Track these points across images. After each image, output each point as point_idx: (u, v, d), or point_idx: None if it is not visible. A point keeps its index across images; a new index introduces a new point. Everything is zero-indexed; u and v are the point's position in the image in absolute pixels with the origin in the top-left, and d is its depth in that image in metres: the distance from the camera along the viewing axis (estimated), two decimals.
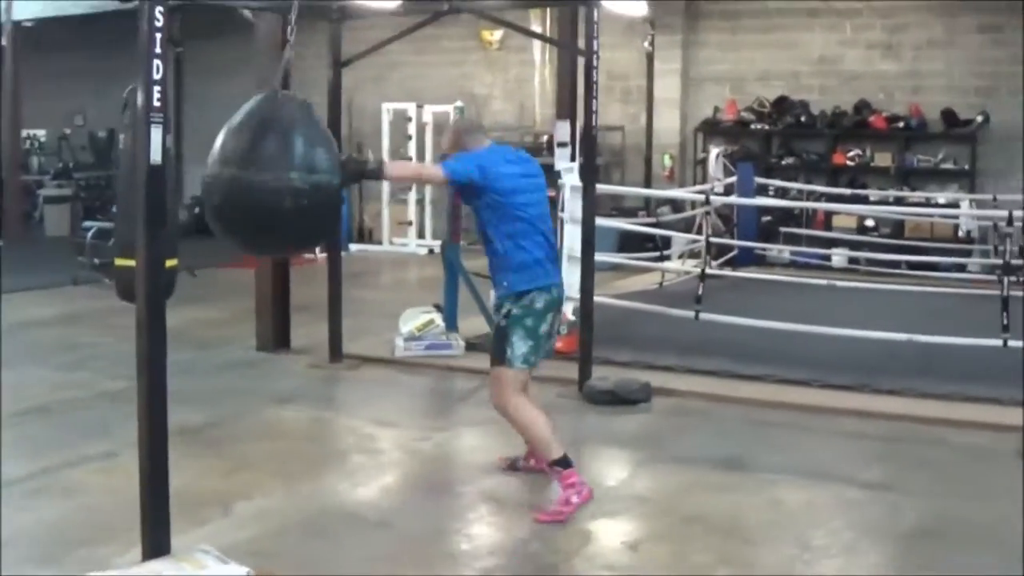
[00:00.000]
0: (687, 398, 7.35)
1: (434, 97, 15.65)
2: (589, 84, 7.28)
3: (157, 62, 4.09)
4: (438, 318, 8.51)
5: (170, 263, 6.36)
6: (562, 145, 12.48)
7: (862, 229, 14.04)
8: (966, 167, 13.85)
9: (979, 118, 13.62)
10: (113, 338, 8.85)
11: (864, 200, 13.63)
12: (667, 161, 15.28)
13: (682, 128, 15.31)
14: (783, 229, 13.65)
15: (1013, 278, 8.29)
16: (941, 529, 5.04)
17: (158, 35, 4.07)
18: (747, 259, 13.12)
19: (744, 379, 7.75)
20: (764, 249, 13.19)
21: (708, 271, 9.72)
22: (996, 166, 13.76)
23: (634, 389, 7.29)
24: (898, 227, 13.71)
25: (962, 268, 13.19)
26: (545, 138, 15.73)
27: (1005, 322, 7.78)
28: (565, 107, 12.51)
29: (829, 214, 14.16)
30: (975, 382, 7.47)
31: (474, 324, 8.82)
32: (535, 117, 15.80)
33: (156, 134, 4.15)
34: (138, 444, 4.26)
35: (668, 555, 4.74)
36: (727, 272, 10.49)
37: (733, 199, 12.56)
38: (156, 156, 4.14)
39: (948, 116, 13.85)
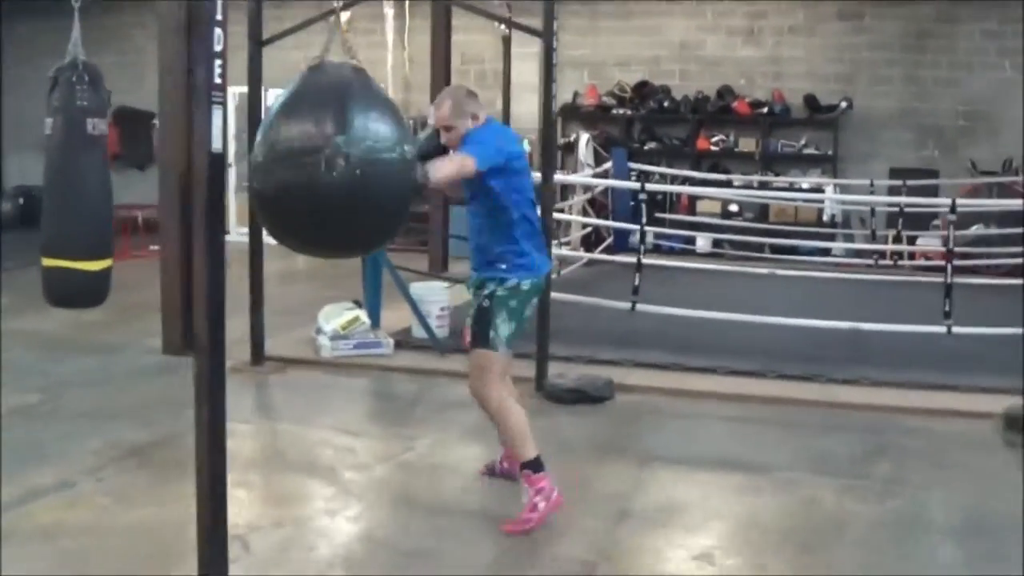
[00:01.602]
0: (647, 394, 7.07)
1: (275, 81, 14.84)
2: (548, 67, 6.90)
3: (218, 31, 3.45)
4: (363, 315, 7.93)
5: (105, 263, 5.71)
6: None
7: (726, 214, 14.11)
8: (829, 152, 14.08)
9: (843, 104, 13.87)
10: (5, 346, 7.93)
11: (729, 184, 13.69)
12: (526, 147, 14.91)
13: (541, 114, 14.95)
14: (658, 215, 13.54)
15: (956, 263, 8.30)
16: (985, 525, 4.92)
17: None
18: (622, 246, 12.95)
19: (696, 371, 7.52)
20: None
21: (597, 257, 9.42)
22: (858, 151, 14.05)
23: (599, 386, 6.96)
24: (763, 212, 13.85)
25: (827, 252, 13.45)
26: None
27: (947, 308, 7.83)
28: (440, 88, 12.05)
29: (693, 199, 14.17)
30: (924, 369, 7.50)
31: (394, 319, 8.31)
32: None
33: (217, 117, 3.51)
34: (197, 490, 3.58)
35: (748, 567, 4.43)
36: (657, 261, 10.15)
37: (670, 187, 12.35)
38: (217, 143, 3.50)
39: (810, 102, 14.05)
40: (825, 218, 13.95)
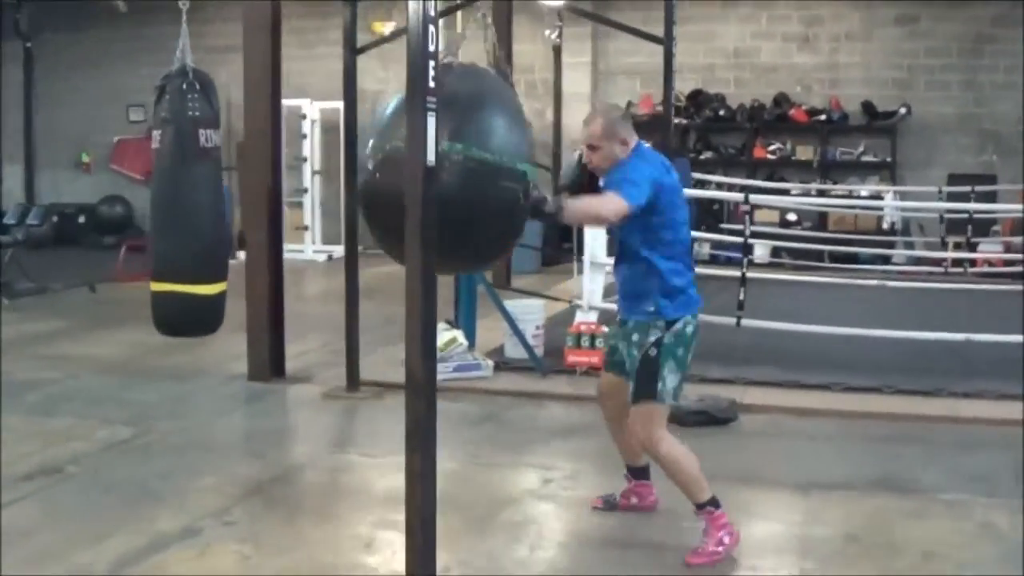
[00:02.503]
0: (770, 414, 6.71)
1: (320, 93, 14.55)
2: (669, 74, 6.59)
3: (432, 29, 3.08)
4: (460, 336, 7.54)
5: (221, 287, 5.33)
6: None
7: (784, 223, 13.74)
8: (887, 159, 13.74)
9: (902, 110, 13.53)
10: (62, 372, 7.55)
11: (787, 193, 13.33)
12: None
13: None
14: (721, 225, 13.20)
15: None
16: None
17: None
18: None
19: (810, 388, 7.15)
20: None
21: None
22: (916, 157, 13.70)
23: (724, 407, 6.58)
24: (821, 220, 13.51)
25: (887, 260, 13.09)
26: None
27: None
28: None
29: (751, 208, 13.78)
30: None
31: (486, 338, 7.94)
32: None
33: (431, 125, 3.12)
34: (407, 544, 3.19)
35: None
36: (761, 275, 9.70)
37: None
38: (431, 155, 3.11)
39: (868, 108, 13.71)
40: (885, 225, 13.57)
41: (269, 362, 7.34)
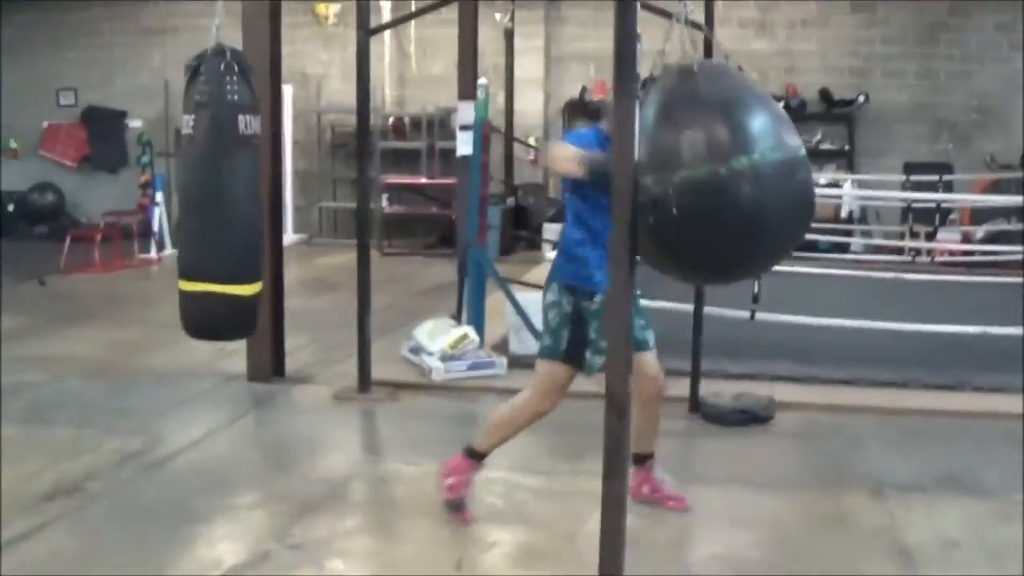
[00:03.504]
0: (805, 411, 6.48)
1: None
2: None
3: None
4: (471, 332, 7.18)
5: (257, 287, 4.90)
6: (465, 128, 11.32)
7: None
8: (844, 147, 13.71)
9: (860, 98, 13.49)
10: (43, 375, 7.01)
11: None
12: (533, 144, 14.27)
13: (546, 109, 14.36)
14: None
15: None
16: None
17: None
18: None
19: (836, 384, 6.96)
20: None
21: None
22: (872, 146, 13.69)
23: (764, 405, 6.34)
24: None
25: (845, 248, 13.05)
26: (392, 120, 14.53)
27: None
28: (468, 86, 11.33)
29: None
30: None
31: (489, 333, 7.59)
32: (383, 98, 14.38)
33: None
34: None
35: None
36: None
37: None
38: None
39: (825, 96, 13.64)
40: (843, 214, 13.52)
41: (271, 362, 6.89)
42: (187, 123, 4.74)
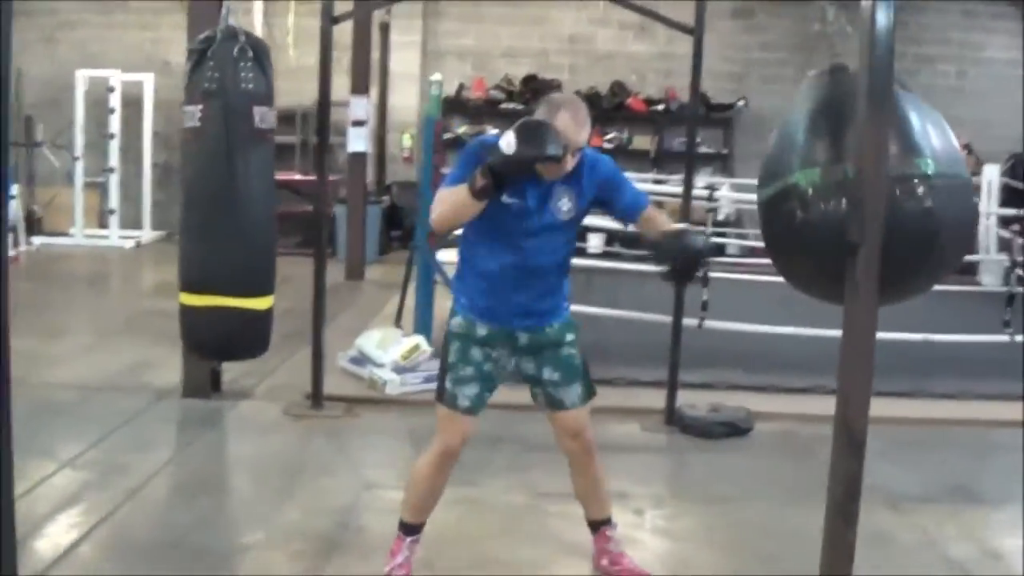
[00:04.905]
0: (778, 420, 6.37)
1: (119, 65, 13.17)
2: (698, 66, 6.14)
3: None
4: (423, 342, 6.78)
5: (271, 300, 4.44)
6: (358, 124, 10.92)
7: None
8: (722, 151, 13.81)
9: (740, 103, 13.60)
10: None
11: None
12: (407, 141, 13.87)
13: (421, 105, 13.92)
14: None
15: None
16: None
17: None
18: None
19: (794, 392, 6.88)
20: None
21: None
22: (749, 150, 13.79)
23: (743, 417, 6.20)
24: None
25: (722, 251, 13.10)
26: None
27: (1007, 318, 7.47)
28: (362, 81, 10.93)
29: None
30: (976, 378, 7.17)
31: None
32: None
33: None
34: None
35: None
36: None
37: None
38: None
39: (704, 100, 13.68)
40: (720, 217, 13.58)
41: (208, 376, 6.33)
42: (192, 114, 4.25)
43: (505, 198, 3.48)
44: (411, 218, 13.56)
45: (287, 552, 4.21)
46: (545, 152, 3.33)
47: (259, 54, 4.28)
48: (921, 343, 7.28)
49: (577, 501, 4.13)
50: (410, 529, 3.91)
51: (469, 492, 4.86)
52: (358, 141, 10.92)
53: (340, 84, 13.23)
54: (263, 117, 4.28)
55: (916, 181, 2.93)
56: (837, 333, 6.90)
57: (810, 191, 3.15)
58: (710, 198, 8.15)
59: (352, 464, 5.39)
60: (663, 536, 4.58)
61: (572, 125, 3.51)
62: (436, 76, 7.57)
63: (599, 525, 4.13)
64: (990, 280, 10.33)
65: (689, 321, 7.28)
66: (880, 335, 7.03)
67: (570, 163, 3.55)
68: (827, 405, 6.27)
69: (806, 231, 3.15)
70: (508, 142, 3.32)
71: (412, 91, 13.92)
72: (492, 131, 13.08)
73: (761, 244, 9.21)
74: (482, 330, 3.72)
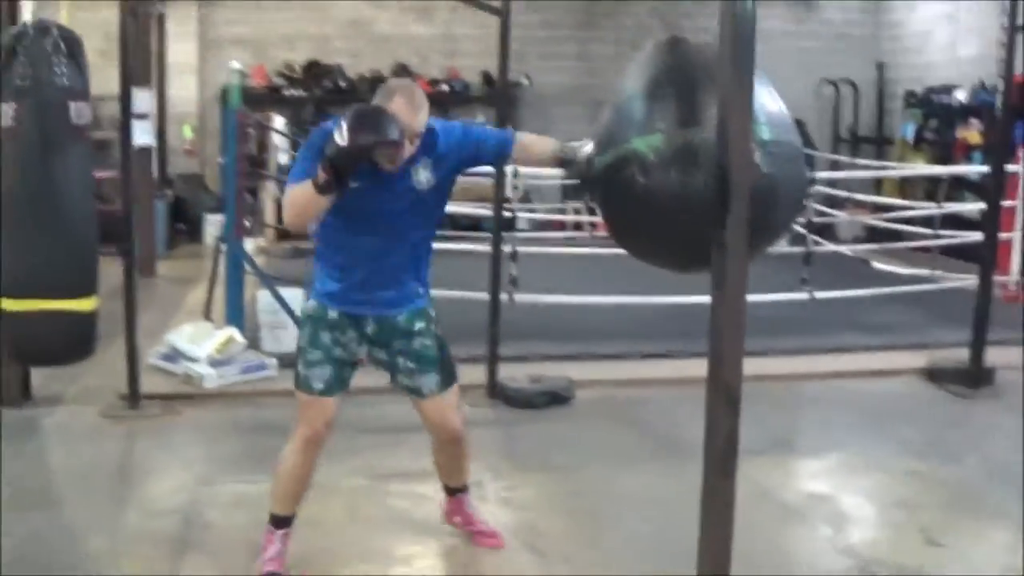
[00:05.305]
0: (596, 387, 6.60)
1: None
2: (505, 44, 6.27)
3: None
4: (236, 334, 6.70)
5: (94, 301, 4.34)
6: (141, 117, 10.61)
7: None
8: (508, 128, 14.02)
9: (524, 81, 13.85)
10: None
11: None
12: (188, 133, 13.53)
13: (201, 96, 13.64)
14: None
15: None
16: None
17: None
18: None
19: (607, 359, 7.16)
20: None
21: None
22: (533, 127, 14.00)
23: (564, 386, 6.39)
24: None
25: (511, 226, 13.34)
26: None
27: (805, 276, 7.94)
28: (139, 72, 10.58)
29: None
30: (781, 336, 7.52)
31: None
32: None
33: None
34: None
35: None
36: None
37: None
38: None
39: (487, 79, 13.89)
40: (508, 193, 13.82)
41: (21, 383, 6.07)
42: (6, 113, 4.07)
43: (353, 183, 3.47)
44: (196, 210, 13.32)
45: (137, 557, 4.13)
46: (383, 137, 3.34)
47: (73, 48, 4.15)
48: None
49: (417, 479, 4.21)
50: (280, 521, 3.87)
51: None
52: (143, 135, 10.59)
53: (111, 77, 12.89)
54: (80, 113, 4.16)
55: (753, 147, 3.07)
56: (643, 299, 7.41)
57: (651, 157, 3.20)
58: (516, 175, 8.14)
59: (183, 462, 5.28)
60: (507, 507, 4.69)
61: (407, 109, 3.53)
62: (235, 64, 7.43)
63: (456, 491, 4.25)
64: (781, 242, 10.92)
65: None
66: (688, 299, 7.52)
67: (408, 149, 3.56)
68: (640, 369, 6.79)
69: (647, 197, 3.22)
70: (341, 132, 3.30)
71: (191, 82, 13.59)
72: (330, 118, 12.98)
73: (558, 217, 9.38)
74: (332, 314, 3.73)
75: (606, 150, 3.44)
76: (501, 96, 6.60)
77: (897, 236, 9.98)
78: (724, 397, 2.60)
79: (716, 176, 2.53)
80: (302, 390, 3.77)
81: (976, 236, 9.07)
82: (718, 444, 2.61)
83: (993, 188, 6.65)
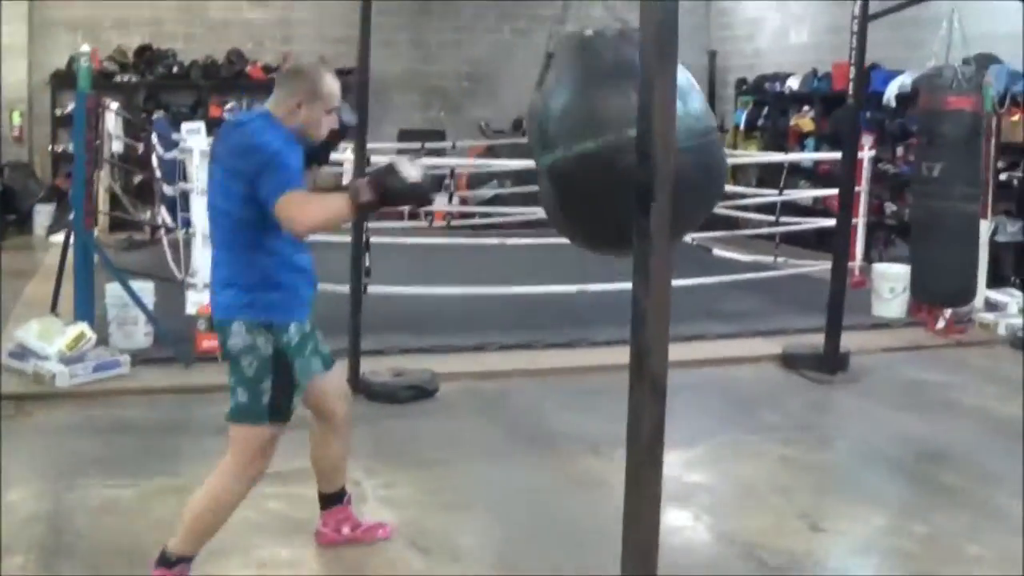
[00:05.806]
0: (458, 380, 6.56)
1: None
2: (366, 25, 6.10)
3: None
4: (87, 329, 6.43)
5: None
6: None
7: None
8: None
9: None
10: None
11: None
12: (17, 119, 12.92)
13: (30, 81, 13.04)
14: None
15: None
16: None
17: None
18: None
19: (467, 351, 7.14)
20: None
21: None
22: (370, 114, 13.92)
23: (428, 379, 6.35)
24: None
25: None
26: None
27: None
28: None
29: None
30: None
31: None
32: None
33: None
34: None
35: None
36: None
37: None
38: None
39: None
40: (344, 183, 13.68)
41: None
42: None
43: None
44: (29, 201, 12.72)
45: (11, 567, 3.91)
46: (435, 191, 3.47)
47: None
48: (576, 294, 7.71)
49: (292, 480, 4.29)
50: (189, 560, 3.63)
51: (175, 482, 4.72)
52: None
53: None
54: None
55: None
56: (499, 290, 7.41)
57: (601, 155, 3.26)
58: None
59: (43, 465, 5.04)
60: (390, 505, 4.61)
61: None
62: (84, 48, 7.11)
63: (343, 496, 4.14)
64: None
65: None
66: (537, 289, 7.54)
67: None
68: (500, 360, 6.79)
69: (607, 192, 3.28)
70: (411, 171, 3.35)
71: (20, 66, 12.96)
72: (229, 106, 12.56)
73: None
74: (306, 326, 3.77)
75: (554, 147, 3.47)
76: (361, 84, 6.43)
77: (735, 223, 10.25)
78: (650, 386, 2.63)
79: (640, 164, 2.54)
80: (274, 421, 3.56)
81: (819, 223, 9.47)
82: (644, 434, 2.63)
83: (845, 175, 6.82)
